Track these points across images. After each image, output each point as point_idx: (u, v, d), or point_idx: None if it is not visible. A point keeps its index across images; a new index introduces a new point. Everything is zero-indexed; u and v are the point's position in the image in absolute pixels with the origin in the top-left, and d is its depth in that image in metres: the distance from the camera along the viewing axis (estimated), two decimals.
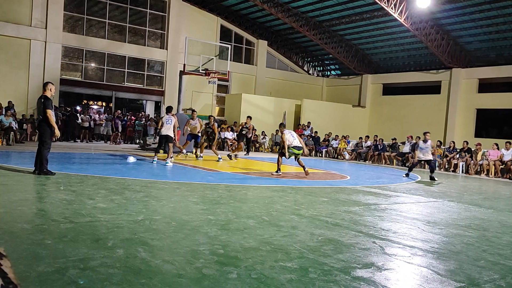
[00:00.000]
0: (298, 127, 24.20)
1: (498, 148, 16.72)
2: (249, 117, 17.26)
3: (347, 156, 21.29)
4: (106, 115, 22.50)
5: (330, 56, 28.54)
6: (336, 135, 22.59)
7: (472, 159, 17.10)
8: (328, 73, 31.62)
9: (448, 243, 4.96)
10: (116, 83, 23.84)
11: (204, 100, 26.00)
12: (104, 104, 28.05)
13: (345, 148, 21.70)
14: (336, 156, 21.88)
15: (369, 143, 21.34)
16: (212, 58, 19.04)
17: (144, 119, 22.75)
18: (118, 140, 21.28)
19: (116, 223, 4.75)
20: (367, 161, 20.37)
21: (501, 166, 16.28)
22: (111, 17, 23.70)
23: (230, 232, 4.70)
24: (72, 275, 3.09)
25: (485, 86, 22.58)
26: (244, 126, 17.24)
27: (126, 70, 24.13)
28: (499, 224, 6.32)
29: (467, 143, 17.80)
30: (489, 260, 4.30)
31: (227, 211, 5.92)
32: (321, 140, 22.79)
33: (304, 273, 3.48)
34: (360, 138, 22.36)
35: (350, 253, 4.20)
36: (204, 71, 18.15)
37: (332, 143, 22.44)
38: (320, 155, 22.30)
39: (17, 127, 17.91)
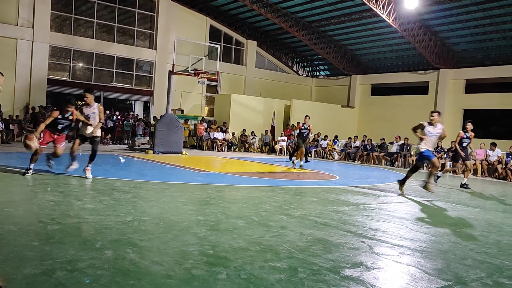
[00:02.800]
0: (287, 127, 24.25)
1: (484, 148, 16.91)
2: (308, 116, 14.44)
3: (336, 156, 21.39)
4: None
5: (319, 56, 28.65)
6: (325, 136, 22.68)
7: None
8: (317, 73, 31.73)
9: (436, 242, 5.00)
10: (104, 83, 23.67)
11: (194, 100, 25.94)
12: None
13: (334, 148, 21.79)
14: (325, 156, 21.96)
15: (358, 143, 21.46)
16: (202, 58, 19.00)
17: (132, 119, 22.62)
18: (106, 141, 21.13)
19: (104, 224, 4.71)
20: (356, 161, 20.49)
21: (488, 166, 16.48)
22: (99, 17, 23.52)
23: (219, 233, 4.69)
24: (59, 277, 3.06)
25: (472, 86, 22.83)
26: (304, 127, 14.17)
27: (114, 70, 23.97)
28: (486, 223, 6.39)
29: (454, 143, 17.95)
30: (476, 258, 4.35)
31: (217, 211, 5.91)
32: (310, 141, 22.85)
33: (294, 273, 3.49)
34: (349, 138, 22.47)
35: (339, 252, 4.22)
36: (193, 71, 18.12)
37: (321, 143, 22.52)
38: (310, 155, 22.37)
39: (3, 127, 17.68)
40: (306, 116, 14.37)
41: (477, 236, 5.46)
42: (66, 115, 8.23)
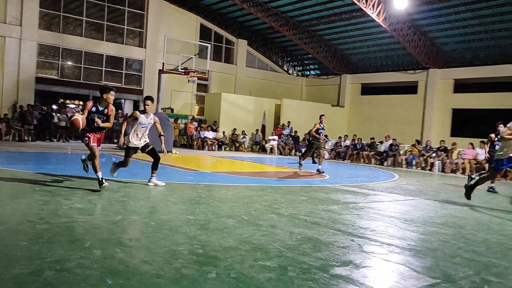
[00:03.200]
0: (277, 127, 24.27)
1: (473, 147, 17.09)
2: (324, 116, 13.15)
3: (326, 155, 21.45)
4: None
5: (310, 56, 28.70)
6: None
7: (448, 158, 17.44)
8: (308, 72, 31.80)
9: (425, 240, 5.05)
10: (93, 81, 23.48)
11: (184, 99, 25.84)
12: (81, 103, 27.58)
13: (324, 147, 21.85)
14: (315, 155, 22.01)
15: (348, 142, 21.55)
16: (192, 57, 18.96)
17: (122, 118, 22.48)
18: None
19: (93, 224, 4.68)
20: (346, 160, 20.57)
21: (476, 165, 16.64)
22: (88, 15, 23.32)
23: (209, 232, 4.68)
24: (48, 276, 3.03)
25: (461, 86, 23.04)
26: (321, 127, 12.74)
27: (103, 68, 23.78)
28: (474, 222, 6.46)
29: (444, 142, 18.15)
30: (464, 256, 4.39)
31: (207, 210, 5.90)
32: (300, 140, 22.91)
33: (283, 272, 3.49)
34: (339, 137, 22.56)
35: (328, 251, 4.23)
36: (183, 70, 18.06)
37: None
38: (300, 154, 22.40)
39: None
40: (322, 115, 13.03)
41: (465, 234, 5.51)
42: (101, 108, 6.94)
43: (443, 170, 17.30)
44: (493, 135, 11.36)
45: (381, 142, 20.24)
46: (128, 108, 26.55)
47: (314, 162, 13.88)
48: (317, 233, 4.97)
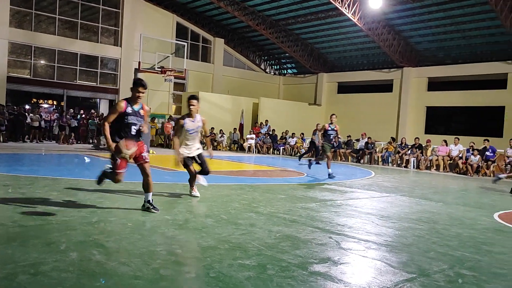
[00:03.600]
0: (255, 125, 24.30)
1: (446, 144, 17.47)
2: (334, 115, 11.73)
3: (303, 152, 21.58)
4: (57, 114, 21.68)
5: (287, 54, 28.83)
6: (293, 133, 22.86)
7: (422, 155, 17.79)
8: (285, 71, 31.93)
9: (401, 236, 5.14)
10: (67, 81, 23.04)
11: (161, 98, 25.61)
12: (55, 103, 27.04)
13: (302, 146, 21.99)
14: (293, 153, 22.14)
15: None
16: (168, 56, 18.79)
17: (98, 118, 22.13)
18: (71, 140, 20.59)
19: (69, 226, 4.59)
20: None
21: (449, 161, 17.03)
22: (62, 13, 22.85)
23: (188, 232, 4.66)
24: (22, 281, 2.97)
25: (434, 84, 23.52)
26: (330, 128, 11.37)
27: (78, 67, 23.37)
28: (448, 217, 6.61)
29: (418, 139, 18.50)
30: (438, 251, 4.49)
31: (185, 210, 5.86)
32: (278, 138, 23.00)
33: (262, 270, 3.51)
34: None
35: (307, 248, 4.27)
36: (160, 69, 17.88)
37: (289, 141, 22.69)
38: (278, 152, 22.51)
39: None
40: (333, 114, 11.68)
41: (439, 229, 5.64)
42: (137, 108, 5.45)
43: (418, 167, 17.63)
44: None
45: (358, 140, 20.49)
46: (103, 108, 26.14)
47: (311, 163, 12.85)
48: (296, 230, 5.00)
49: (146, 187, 5.59)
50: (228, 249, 4.07)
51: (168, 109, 25.76)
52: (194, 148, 6.75)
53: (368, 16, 21.28)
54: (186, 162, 6.70)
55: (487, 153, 16.24)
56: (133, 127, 5.40)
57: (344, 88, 27.74)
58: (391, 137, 20.16)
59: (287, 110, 25.97)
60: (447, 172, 16.78)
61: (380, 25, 22.02)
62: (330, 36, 25.56)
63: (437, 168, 17.08)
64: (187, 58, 19.85)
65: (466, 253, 4.49)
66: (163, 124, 22.86)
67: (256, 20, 24.89)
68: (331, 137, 11.56)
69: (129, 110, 5.35)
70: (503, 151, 16.24)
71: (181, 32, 26.64)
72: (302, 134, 22.80)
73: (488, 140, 16.87)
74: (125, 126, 5.35)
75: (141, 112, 5.51)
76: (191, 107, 6.63)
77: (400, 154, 18.46)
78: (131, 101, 5.43)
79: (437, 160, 17.17)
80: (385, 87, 25.19)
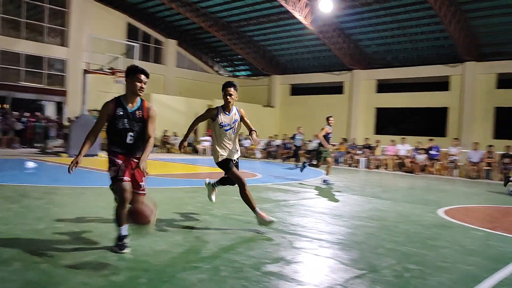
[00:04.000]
0: (209, 127, 24.17)
1: (395, 144, 18.12)
2: (331, 116, 11.17)
3: (258, 155, 21.73)
4: (0, 117, 20.62)
5: (240, 56, 28.90)
6: (247, 135, 22.92)
7: (372, 155, 18.36)
8: (238, 73, 32.00)
9: (352, 234, 5.28)
10: (11, 82, 21.97)
11: None
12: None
13: (256, 148, 22.12)
14: (247, 155, 22.21)
15: (279, 141, 21.97)
16: (118, 57, 18.34)
17: (44, 120, 21.25)
18: (15, 145, 19.64)
19: (13, 234, 4.38)
20: (277, 159, 20.96)
21: (397, 161, 17.67)
22: (5, 11, 21.78)
23: (140, 236, 4.57)
24: None
25: (383, 86, 24.33)
26: (331, 132, 10.94)
27: (22, 68, 22.34)
28: (396, 214, 6.86)
29: (368, 140, 19.08)
30: (387, 247, 4.65)
31: None
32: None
33: (216, 272, 3.50)
34: (270, 137, 22.94)
35: (261, 249, 4.30)
36: (110, 70, 17.43)
37: (243, 143, 22.74)
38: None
39: None
40: (330, 116, 11.13)
41: (388, 226, 5.84)
42: (133, 108, 4.04)
43: (368, 167, 18.17)
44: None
45: (310, 141, 20.85)
46: (51, 110, 25.11)
47: (303, 166, 11.64)
48: (250, 232, 5.02)
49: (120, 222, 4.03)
50: (181, 253, 4.03)
51: None
52: (233, 150, 5.31)
53: (319, 20, 21.71)
54: (227, 166, 5.22)
55: (432, 152, 16.99)
56: (128, 134, 4.02)
57: (297, 90, 28.16)
58: (342, 138, 20.66)
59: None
60: (396, 171, 17.41)
61: (331, 29, 22.52)
62: (282, 38, 25.86)
63: (386, 167, 17.68)
64: (138, 59, 19.44)
65: (413, 248, 4.68)
66: None
67: (208, 21, 24.79)
68: (330, 141, 10.97)
69: (119, 111, 3.99)
70: (447, 150, 17.05)
71: (132, 32, 26.09)
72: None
73: (433, 140, 17.66)
74: (116, 133, 4.03)
75: (138, 113, 4.02)
76: (228, 97, 5.14)
77: (350, 154, 18.96)
78: (124, 99, 4.06)
79: (386, 159, 17.77)
80: (337, 89, 25.79)
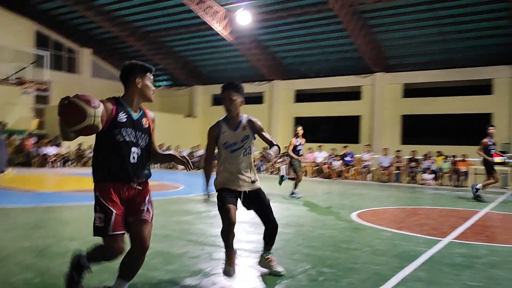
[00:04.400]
0: None
1: (312, 152, 18.83)
2: (301, 127, 10.77)
3: (180, 166, 21.43)
4: None
5: (160, 66, 28.45)
6: (169, 146, 22.56)
7: None
8: (159, 83, 31.45)
9: None
10: None
11: (20, 112, 23.31)
12: None
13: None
14: (170, 166, 21.85)
15: (201, 152, 21.87)
16: (26, 67, 17.25)
17: None
18: None
19: None
20: (200, 170, 20.83)
21: (315, 167, 18.37)
22: None
23: (49, 258, 4.32)
24: None
25: (301, 96, 25.24)
26: (298, 143, 10.61)
27: None
28: (313, 219, 7.13)
29: (287, 148, 19.61)
30: (303, 252, 4.82)
31: (47, 235, 5.42)
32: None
33: None
34: (192, 147, 22.78)
35: (179, 263, 4.25)
36: (17, 81, 16.33)
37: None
38: (154, 166, 22.00)
39: None
40: (299, 126, 10.77)
41: (304, 232, 6.05)
42: (137, 115, 3.14)
43: (288, 174, 18.67)
44: (486, 140, 10.51)
45: None
46: None
47: (281, 179, 10.93)
48: (168, 246, 4.95)
49: (128, 269, 3.10)
50: (95, 272, 3.86)
51: (29, 124, 23.56)
52: (241, 178, 3.97)
53: (238, 31, 22.04)
54: (223, 199, 3.98)
55: (347, 158, 17.88)
56: (133, 150, 2.99)
57: (218, 100, 28.27)
58: (263, 148, 21.03)
59: (162, 122, 25.29)
60: (314, 177, 18.07)
61: (249, 40, 22.95)
62: (203, 49, 25.87)
63: (305, 174, 18.29)
64: (50, 68, 18.44)
65: (327, 252, 4.89)
66: (22, 141, 20.84)
67: (126, 31, 24.15)
68: (300, 153, 10.54)
69: (122, 117, 2.98)
70: (360, 156, 18.06)
71: (42, 41, 24.67)
72: (178, 146, 22.66)
73: (347, 147, 18.61)
74: (114, 147, 2.96)
75: (145, 122, 3.12)
76: (227, 104, 3.93)
77: (271, 162, 19.38)
78: (126, 102, 3.10)
79: (304, 166, 18.38)
80: (256, 99, 26.30)
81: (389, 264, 4.44)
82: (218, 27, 21.11)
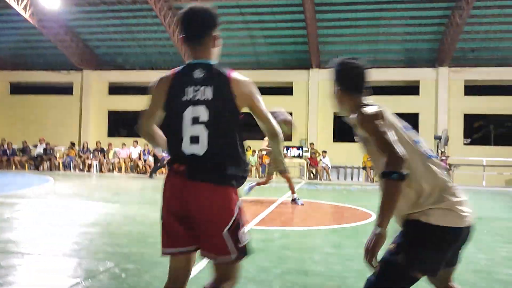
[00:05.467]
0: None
1: (127, 147, 18.34)
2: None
3: None
4: None
5: None
6: None
7: (105, 158, 18.07)
8: None
9: (74, 242, 5.06)
10: None
11: None
12: None
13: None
14: None
15: None
16: None
17: None
18: None
19: None
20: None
21: (130, 163, 17.92)
22: None
23: None
24: None
25: (116, 89, 24.17)
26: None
27: None
28: (122, 217, 6.94)
29: (100, 143, 18.68)
30: (108, 251, 4.66)
31: None
32: None
33: None
34: None
35: None
36: None
37: None
38: None
39: None
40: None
41: (112, 230, 5.85)
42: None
43: (101, 170, 17.79)
44: None
45: (36, 146, 19.02)
46: None
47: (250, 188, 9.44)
48: None
49: None
50: None
51: None
52: None
53: (42, 14, 19.94)
54: None
55: (164, 153, 17.92)
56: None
57: (18, 89, 25.14)
58: (71, 142, 19.60)
59: None
60: (129, 173, 17.62)
61: (57, 25, 21.00)
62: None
63: (120, 170, 17.69)
64: None
65: (133, 248, 4.82)
66: None
67: None
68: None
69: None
70: None
71: None
72: None
73: None
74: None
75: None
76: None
77: (82, 159, 18.18)
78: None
79: (119, 162, 17.77)
80: (65, 89, 24.26)
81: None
82: (16, 6, 18.72)
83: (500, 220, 6.68)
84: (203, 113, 2.09)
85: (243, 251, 2.14)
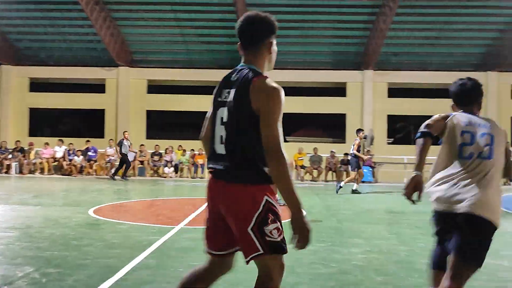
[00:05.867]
0: None
1: (50, 146, 17.36)
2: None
3: None
4: None
5: None
6: None
7: (25, 159, 16.99)
8: None
9: None
10: None
11: None
12: None
13: None
14: None
15: None
16: None
17: None
18: None
19: None
20: None
21: (54, 163, 16.99)
22: None
23: None
24: None
25: (38, 85, 22.76)
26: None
27: None
28: (44, 219, 6.57)
29: (20, 143, 17.55)
30: (27, 255, 4.40)
31: None
32: None
33: None
34: None
35: None
36: None
37: None
38: None
39: None
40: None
41: (32, 233, 5.53)
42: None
43: (21, 171, 16.70)
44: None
45: None
46: None
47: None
48: None
49: None
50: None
51: None
52: None
53: None
54: None
55: (90, 153, 17.18)
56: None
57: None
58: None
59: None
60: (52, 174, 16.70)
61: None
62: None
63: (42, 171, 16.73)
64: None
65: (55, 251, 4.60)
66: None
67: None
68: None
69: None
70: (104, 150, 17.62)
71: None
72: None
73: (89, 141, 17.88)
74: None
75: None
76: None
77: (0, 159, 16.97)
78: None
79: (41, 163, 16.81)
80: None
81: (121, 256, 4.48)
82: None
83: (419, 214, 7.13)
84: (225, 114, 2.20)
85: (273, 247, 2.10)
